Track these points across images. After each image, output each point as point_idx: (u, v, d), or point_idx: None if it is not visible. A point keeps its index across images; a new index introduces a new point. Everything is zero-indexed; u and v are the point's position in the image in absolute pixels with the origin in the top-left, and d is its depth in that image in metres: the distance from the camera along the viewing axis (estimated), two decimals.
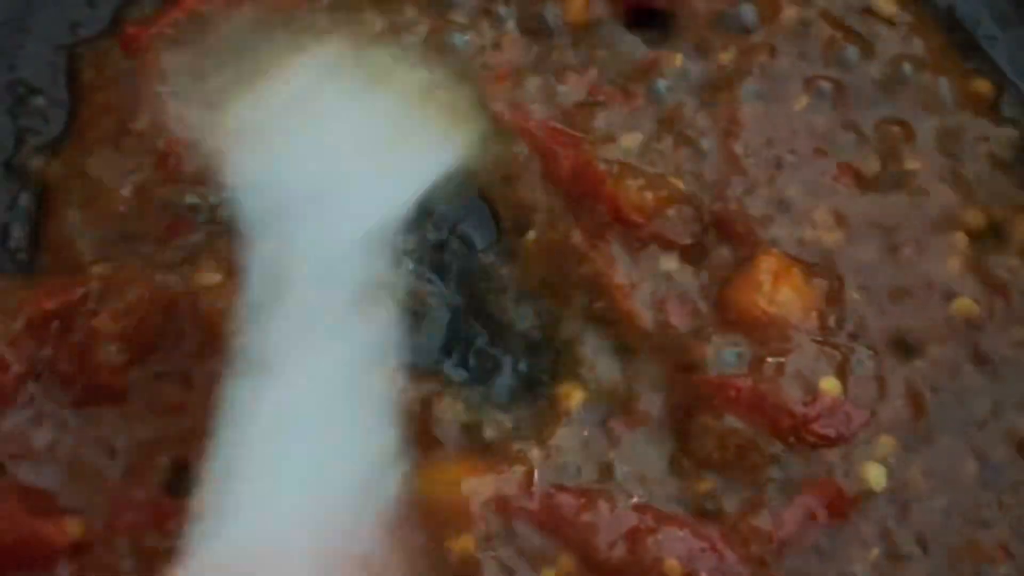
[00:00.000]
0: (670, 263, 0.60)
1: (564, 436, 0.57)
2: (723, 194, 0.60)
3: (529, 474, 0.56)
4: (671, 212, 0.60)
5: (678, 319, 0.59)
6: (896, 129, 0.62)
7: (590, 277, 0.60)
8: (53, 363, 0.57)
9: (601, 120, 0.61)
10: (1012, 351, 0.59)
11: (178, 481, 0.56)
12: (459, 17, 0.64)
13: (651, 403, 0.58)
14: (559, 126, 0.61)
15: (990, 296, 0.59)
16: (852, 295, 0.59)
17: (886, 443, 0.57)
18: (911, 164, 0.61)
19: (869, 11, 0.64)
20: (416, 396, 0.57)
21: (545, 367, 0.59)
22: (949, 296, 0.59)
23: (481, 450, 0.57)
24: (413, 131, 0.56)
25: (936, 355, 0.59)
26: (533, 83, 0.62)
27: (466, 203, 0.61)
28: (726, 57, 0.62)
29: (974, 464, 0.57)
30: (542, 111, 0.61)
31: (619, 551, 0.55)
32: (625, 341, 0.59)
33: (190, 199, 0.62)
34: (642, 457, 0.58)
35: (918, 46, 0.63)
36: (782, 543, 0.55)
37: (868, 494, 0.56)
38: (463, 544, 0.54)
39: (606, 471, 0.57)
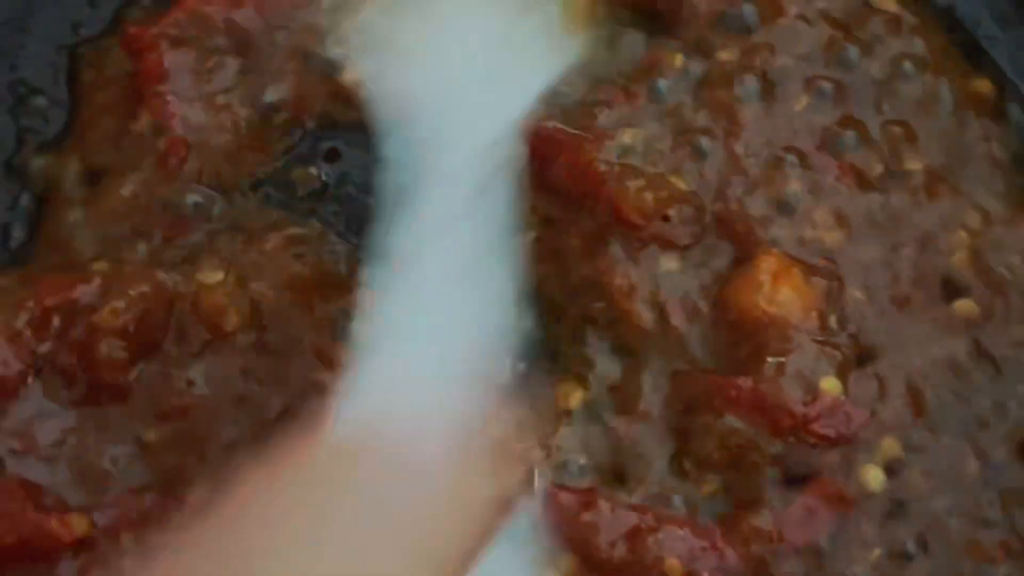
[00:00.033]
0: (670, 263, 0.60)
1: (564, 436, 0.58)
2: (723, 194, 0.60)
3: (529, 473, 0.56)
4: (671, 212, 0.60)
5: (678, 319, 0.59)
6: (897, 129, 0.62)
7: (590, 277, 0.60)
8: (54, 360, 0.57)
9: (601, 120, 0.61)
10: (1012, 351, 0.59)
11: None
12: None
13: (651, 403, 0.58)
14: (559, 126, 0.61)
15: (991, 296, 0.59)
16: (852, 295, 0.59)
17: (886, 443, 0.57)
18: (912, 164, 0.61)
19: (870, 11, 0.64)
20: None
21: (545, 367, 0.59)
22: (950, 296, 0.59)
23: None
24: (531, 35, 0.56)
25: (937, 355, 0.59)
26: None
27: None
28: (727, 56, 0.62)
29: (975, 464, 0.57)
30: (542, 111, 0.61)
31: (620, 550, 0.55)
32: (625, 341, 0.59)
33: (190, 199, 0.62)
34: (642, 457, 0.58)
35: (919, 46, 0.63)
36: (783, 543, 0.55)
37: (869, 494, 0.56)
38: None
39: (607, 471, 0.57)
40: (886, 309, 0.59)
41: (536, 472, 0.56)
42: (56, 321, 0.58)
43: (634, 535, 0.55)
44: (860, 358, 0.58)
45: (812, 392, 0.57)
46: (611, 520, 0.55)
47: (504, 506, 0.40)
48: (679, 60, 0.63)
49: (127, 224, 0.62)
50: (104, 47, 0.66)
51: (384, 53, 0.56)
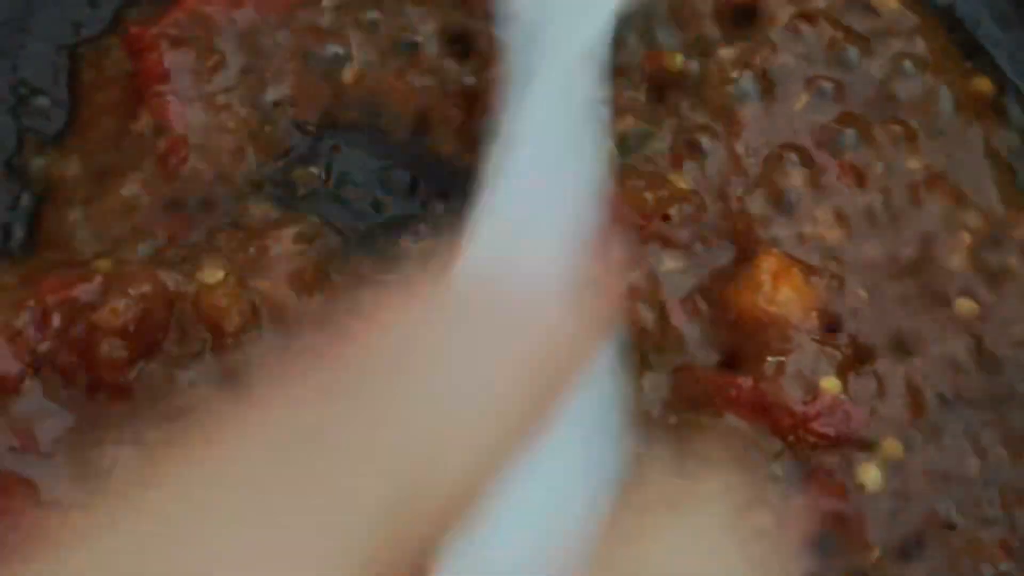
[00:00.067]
0: (670, 263, 0.60)
1: None
2: (723, 193, 0.60)
3: None
4: (671, 212, 0.60)
5: (678, 319, 0.59)
6: (897, 128, 0.62)
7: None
8: (54, 359, 0.57)
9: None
10: (1012, 351, 0.59)
11: None
12: None
13: (651, 403, 0.58)
14: None
15: (991, 295, 0.59)
16: (853, 294, 0.59)
17: (886, 442, 0.57)
18: (912, 163, 0.61)
19: (870, 11, 0.64)
20: None
21: None
22: (950, 295, 0.59)
23: None
24: None
25: (937, 354, 0.59)
26: None
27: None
28: (727, 56, 0.62)
29: (975, 463, 0.57)
30: None
31: None
32: (625, 341, 0.59)
33: (191, 199, 0.62)
34: (642, 457, 0.58)
35: (919, 46, 0.63)
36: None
37: (869, 493, 0.56)
38: None
39: None
40: (886, 309, 0.59)
41: None
42: (56, 320, 0.58)
43: None
44: (860, 358, 0.58)
45: (812, 391, 0.57)
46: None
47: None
48: (679, 59, 0.63)
49: (128, 224, 0.62)
50: (104, 47, 0.66)
51: None
